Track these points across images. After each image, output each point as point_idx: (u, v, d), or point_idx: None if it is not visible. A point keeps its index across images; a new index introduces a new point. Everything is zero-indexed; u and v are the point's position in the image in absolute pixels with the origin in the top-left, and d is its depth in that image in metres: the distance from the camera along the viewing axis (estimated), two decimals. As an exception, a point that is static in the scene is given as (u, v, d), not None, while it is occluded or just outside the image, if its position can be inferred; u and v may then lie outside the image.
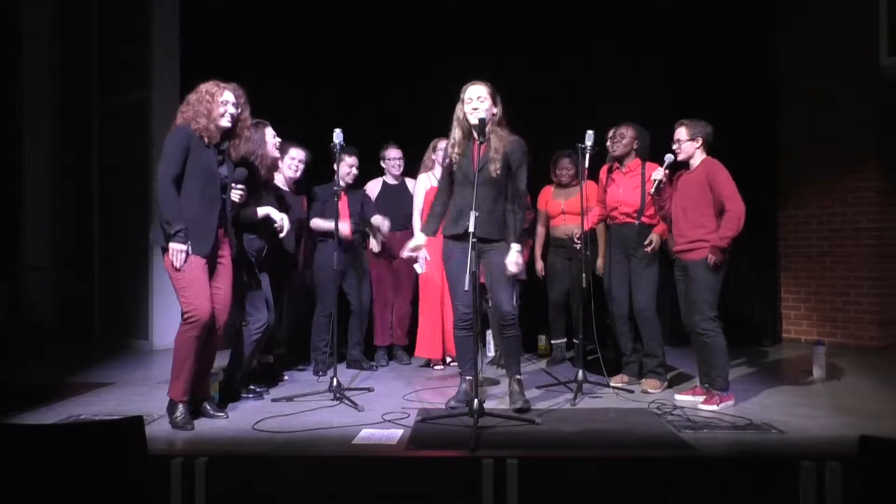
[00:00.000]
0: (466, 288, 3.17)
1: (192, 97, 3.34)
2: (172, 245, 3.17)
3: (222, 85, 3.36)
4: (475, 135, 3.46)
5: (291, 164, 4.38)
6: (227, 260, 3.47)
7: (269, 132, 4.04)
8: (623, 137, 4.23)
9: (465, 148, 3.60)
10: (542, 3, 5.98)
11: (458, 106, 3.60)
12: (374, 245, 4.94)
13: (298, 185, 4.57)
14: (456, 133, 3.63)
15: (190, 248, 3.20)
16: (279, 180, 4.34)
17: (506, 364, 3.76)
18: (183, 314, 3.25)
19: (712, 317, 3.70)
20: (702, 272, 3.69)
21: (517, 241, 3.60)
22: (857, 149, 5.90)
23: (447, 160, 3.71)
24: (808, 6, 6.16)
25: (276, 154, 4.12)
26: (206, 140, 3.29)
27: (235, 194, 3.59)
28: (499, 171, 3.52)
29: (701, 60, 5.94)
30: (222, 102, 3.32)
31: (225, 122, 3.34)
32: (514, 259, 3.57)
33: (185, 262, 3.19)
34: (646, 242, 4.14)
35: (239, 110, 3.40)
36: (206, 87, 3.34)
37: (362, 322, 5.00)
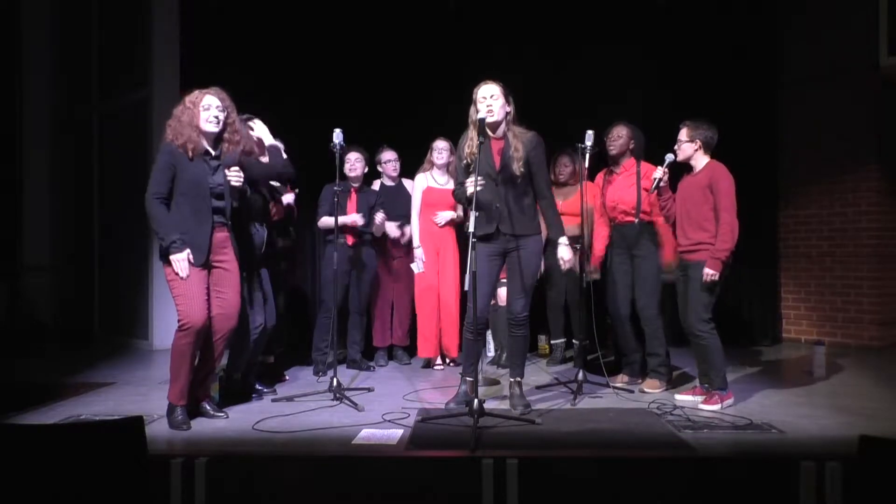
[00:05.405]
0: (466, 287, 3.18)
1: (176, 109, 3.36)
2: (172, 257, 3.21)
3: (204, 91, 3.37)
4: (489, 133, 3.48)
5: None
6: (232, 265, 3.46)
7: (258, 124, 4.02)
8: (619, 138, 4.24)
9: (482, 149, 3.54)
10: (540, 3, 5.97)
11: (472, 108, 3.58)
12: (375, 228, 4.75)
13: None
14: (472, 135, 3.58)
15: (190, 255, 3.23)
16: None
17: (510, 364, 3.74)
18: (178, 321, 3.28)
19: (706, 319, 3.71)
20: (701, 274, 3.69)
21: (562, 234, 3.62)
22: (857, 149, 5.89)
23: (465, 162, 3.63)
24: (808, 6, 6.15)
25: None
26: (190, 153, 3.28)
27: (231, 176, 3.43)
28: (522, 170, 3.53)
29: (701, 60, 5.94)
30: (204, 108, 3.33)
31: (211, 127, 3.34)
32: (564, 253, 3.59)
33: (188, 269, 3.22)
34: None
35: (225, 113, 3.39)
36: (188, 96, 3.37)
37: (362, 322, 4.99)
